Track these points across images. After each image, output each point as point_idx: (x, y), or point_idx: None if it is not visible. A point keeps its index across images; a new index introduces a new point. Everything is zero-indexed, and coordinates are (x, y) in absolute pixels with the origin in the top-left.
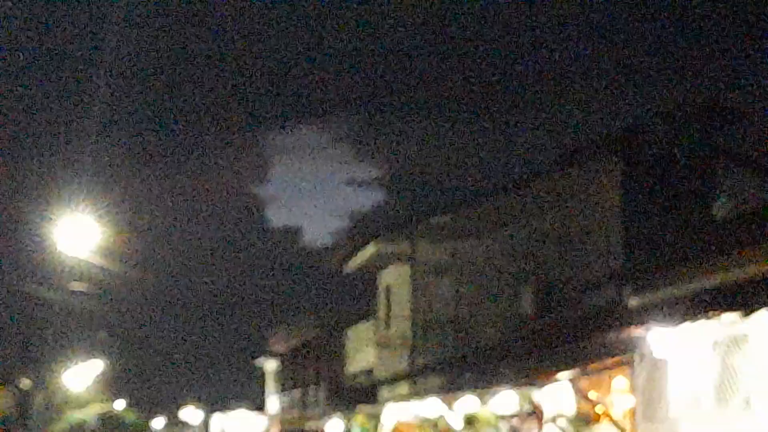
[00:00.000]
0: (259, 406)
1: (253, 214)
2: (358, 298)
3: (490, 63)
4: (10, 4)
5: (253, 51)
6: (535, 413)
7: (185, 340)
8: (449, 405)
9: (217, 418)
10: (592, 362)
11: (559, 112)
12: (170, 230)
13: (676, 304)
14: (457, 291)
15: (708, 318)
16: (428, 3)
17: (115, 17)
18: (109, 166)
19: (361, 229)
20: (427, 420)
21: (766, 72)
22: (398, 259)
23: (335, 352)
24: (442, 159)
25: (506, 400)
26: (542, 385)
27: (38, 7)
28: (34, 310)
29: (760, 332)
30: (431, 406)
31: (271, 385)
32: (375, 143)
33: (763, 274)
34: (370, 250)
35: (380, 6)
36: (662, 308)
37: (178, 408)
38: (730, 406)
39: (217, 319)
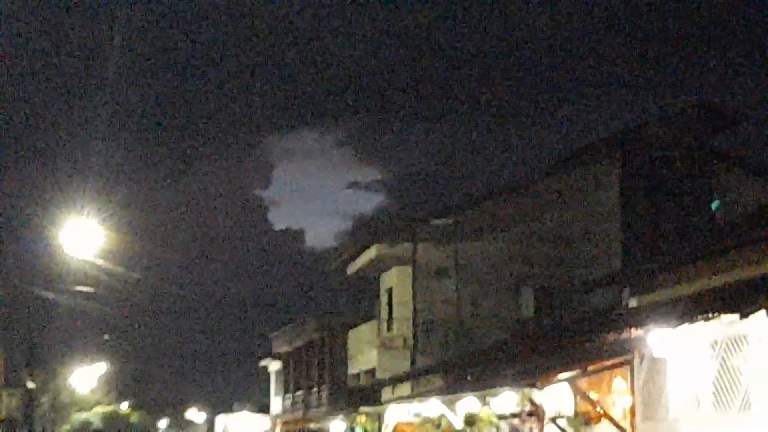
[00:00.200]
0: (263, 407)
1: (256, 216)
2: (361, 300)
3: (491, 67)
4: (19, 11)
5: (257, 56)
6: (536, 413)
7: (189, 342)
8: (450, 405)
9: (221, 420)
10: (592, 363)
11: (559, 114)
12: (175, 233)
13: (675, 305)
14: (458, 293)
15: (707, 319)
16: (430, 9)
17: (122, 23)
18: (115, 169)
19: (364, 232)
20: (428, 420)
21: (762, 75)
22: (400, 261)
23: (338, 353)
24: (444, 162)
25: (507, 400)
26: (543, 386)
27: (47, 13)
28: (39, 312)
29: (759, 333)
30: (433, 407)
31: (274, 386)
32: (377, 147)
33: (761, 275)
34: (372, 253)
35: (383, 12)
36: (661, 309)
37: (182, 409)
38: (729, 407)
39: (221, 321)
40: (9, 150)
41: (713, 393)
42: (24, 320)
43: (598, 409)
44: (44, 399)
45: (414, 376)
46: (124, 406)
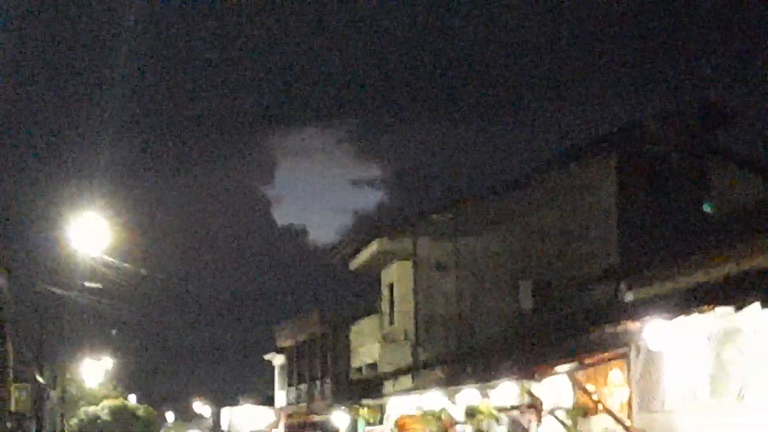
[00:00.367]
0: (268, 400)
1: (259, 213)
2: (363, 295)
3: (490, 64)
4: (27, 9)
5: (260, 55)
6: (535, 405)
7: (195, 337)
8: (451, 398)
9: (226, 413)
10: (590, 356)
11: (556, 111)
12: (180, 229)
13: (671, 298)
14: (459, 287)
15: (702, 312)
16: (430, 6)
17: (128, 23)
18: (121, 167)
19: (365, 227)
20: (430, 412)
21: (759, 73)
22: (401, 256)
23: (340, 347)
24: (444, 158)
25: (506, 392)
26: (541, 378)
27: (54, 13)
28: (48, 308)
29: (754, 326)
30: (433, 399)
31: (278, 380)
32: (378, 144)
33: (756, 268)
34: (373, 248)
35: (384, 10)
36: (657, 303)
37: (188, 402)
38: (724, 398)
39: (226, 316)
40: (16, 148)
41: (709, 384)
42: (33, 316)
43: (595, 400)
44: (53, 393)
45: (415, 369)
46: (132, 399)
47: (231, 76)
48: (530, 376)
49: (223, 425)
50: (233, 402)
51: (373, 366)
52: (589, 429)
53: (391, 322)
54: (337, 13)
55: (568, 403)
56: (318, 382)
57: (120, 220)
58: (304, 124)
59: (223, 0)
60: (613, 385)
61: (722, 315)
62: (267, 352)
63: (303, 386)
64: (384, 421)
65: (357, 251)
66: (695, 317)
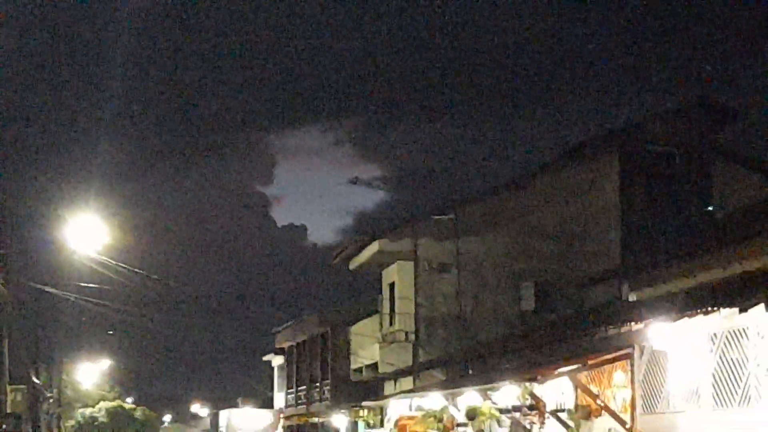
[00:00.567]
0: (267, 402)
1: (259, 213)
2: (363, 295)
3: (491, 64)
4: (26, 9)
5: (260, 55)
6: (537, 407)
7: (193, 338)
8: (452, 399)
9: (225, 414)
10: (592, 357)
11: (557, 111)
12: (178, 229)
13: (675, 299)
14: (460, 287)
15: (706, 313)
16: (431, 6)
17: (126, 22)
18: (119, 167)
19: (366, 228)
20: (430, 414)
21: (762, 72)
22: (402, 256)
23: (340, 348)
24: (445, 158)
25: (508, 394)
26: (543, 380)
27: (51, 12)
28: (44, 308)
29: (758, 327)
30: (435, 401)
31: (277, 381)
32: (379, 144)
33: (759, 270)
34: (374, 249)
35: (384, 11)
36: (661, 304)
37: (186, 404)
38: (728, 400)
39: (225, 316)
40: (14, 147)
41: (713, 386)
42: (29, 316)
43: (598, 402)
44: (49, 394)
45: (416, 370)
46: (129, 401)
47: (231, 76)
48: (532, 377)
49: (222, 427)
50: (232, 404)
51: (373, 367)
52: (592, 430)
53: (392, 323)
54: (338, 12)
55: (571, 405)
56: (318, 384)
57: (117, 221)
58: (305, 123)
59: (223, 0)
60: (616, 386)
61: (726, 316)
62: (266, 353)
63: (303, 388)
64: (384, 423)
65: (357, 252)
66: (699, 318)
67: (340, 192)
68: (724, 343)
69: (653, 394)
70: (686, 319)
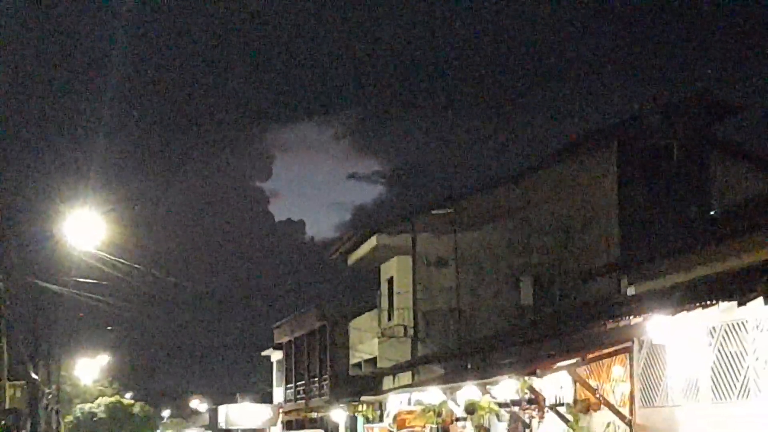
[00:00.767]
0: (266, 397)
1: (257, 208)
2: (361, 290)
3: (489, 57)
4: (23, 7)
5: (257, 49)
6: (536, 401)
7: (192, 333)
8: (451, 394)
9: (224, 410)
10: (591, 351)
11: (556, 105)
12: (176, 225)
13: (673, 293)
14: (458, 282)
15: (705, 306)
16: (428, 2)
17: (123, 18)
18: (117, 162)
19: (364, 223)
20: (429, 408)
21: (760, 66)
22: (400, 251)
23: (339, 343)
24: (443, 152)
25: (507, 388)
26: (542, 374)
27: (50, 9)
28: (43, 304)
29: (757, 320)
30: (433, 395)
31: (276, 376)
32: (376, 138)
33: (758, 263)
34: (372, 243)
35: (382, 6)
36: (660, 297)
37: (184, 399)
38: (727, 393)
39: (223, 311)
40: (12, 143)
41: (711, 379)
42: (28, 312)
43: (597, 396)
44: (48, 390)
45: (415, 365)
46: (128, 396)
47: (229, 71)
48: (531, 371)
49: (221, 422)
50: (231, 399)
51: (372, 362)
52: (591, 424)
53: (390, 318)
54: (335, 7)
55: (570, 399)
56: (316, 379)
57: (115, 216)
58: (303, 118)
59: None
60: (615, 380)
61: (725, 309)
62: (265, 348)
63: (301, 383)
64: (383, 418)
65: (356, 246)
66: (698, 312)
67: (339, 187)
68: (723, 337)
69: (652, 387)
70: (685, 312)
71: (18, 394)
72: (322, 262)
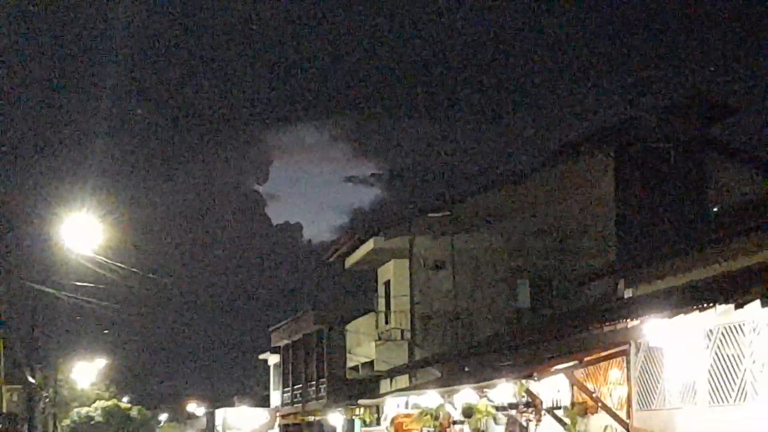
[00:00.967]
0: (263, 401)
1: (254, 211)
2: (358, 293)
3: (486, 60)
4: (20, 9)
5: (255, 53)
6: (533, 404)
7: (189, 337)
8: (449, 397)
9: (221, 413)
10: (589, 354)
11: (552, 107)
12: (174, 228)
13: (670, 295)
14: (455, 285)
15: (702, 309)
16: (426, 4)
17: (122, 21)
18: (114, 165)
19: (361, 226)
20: (426, 411)
21: (756, 67)
22: (397, 254)
23: (336, 346)
24: (440, 155)
25: (504, 391)
26: (540, 377)
27: (47, 11)
28: (40, 308)
29: (754, 322)
30: (431, 398)
31: (273, 380)
32: (374, 141)
33: (755, 265)
34: (369, 246)
35: (380, 9)
36: (657, 300)
37: (181, 403)
38: (724, 395)
39: (221, 315)
40: (9, 146)
41: (708, 382)
42: (25, 316)
43: (594, 399)
44: (45, 394)
45: (412, 368)
46: (125, 400)
47: (226, 74)
48: (528, 374)
49: (218, 426)
50: (228, 403)
51: (369, 365)
52: (589, 428)
53: (388, 321)
54: (333, 10)
55: (567, 402)
56: (314, 382)
57: (113, 219)
58: (300, 121)
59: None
60: (613, 383)
61: (722, 312)
62: (262, 351)
63: (299, 386)
64: (380, 421)
65: (353, 249)
66: (695, 314)
67: (336, 190)
68: (720, 340)
69: (649, 390)
70: (682, 315)
71: (15, 397)
72: (320, 265)
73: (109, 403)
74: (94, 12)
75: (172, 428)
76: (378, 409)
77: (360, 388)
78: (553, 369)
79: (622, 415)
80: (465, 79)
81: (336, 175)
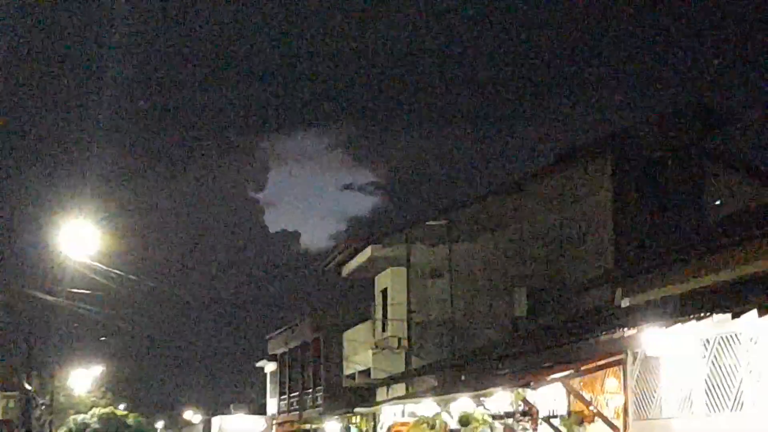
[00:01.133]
0: (260, 409)
1: (252, 218)
2: (355, 301)
3: (484, 69)
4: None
5: (253, 60)
6: (530, 413)
7: (186, 344)
8: (445, 405)
9: (217, 421)
10: (585, 362)
11: (550, 116)
12: (171, 235)
13: (668, 304)
14: (452, 293)
15: (699, 318)
16: (424, 12)
17: (119, 25)
18: (111, 172)
19: (358, 234)
20: (423, 420)
21: (755, 74)
22: (394, 262)
23: (333, 354)
24: (438, 164)
25: (501, 400)
26: (536, 385)
27: (45, 14)
28: (37, 314)
29: (751, 332)
30: (427, 407)
31: (270, 388)
32: (371, 149)
33: (752, 275)
34: (366, 254)
35: (379, 17)
36: (654, 309)
37: (178, 410)
38: (721, 405)
39: (217, 322)
40: (6, 153)
41: (706, 391)
42: (21, 323)
43: (591, 408)
44: (41, 401)
45: (409, 376)
46: (121, 407)
47: (225, 82)
48: (525, 383)
49: None
50: (224, 410)
51: (366, 373)
52: None
53: (384, 329)
54: (331, 18)
55: (564, 411)
56: (310, 390)
57: (110, 226)
58: (298, 129)
59: (217, 5)
60: (609, 392)
61: (719, 321)
62: (259, 359)
63: (295, 394)
64: (377, 430)
65: (350, 257)
66: (692, 324)
67: (334, 198)
68: (717, 349)
69: (646, 400)
70: (679, 324)
71: (11, 404)
72: (317, 273)
73: (106, 410)
74: (94, 15)
75: None
76: (374, 418)
77: (357, 396)
78: (549, 378)
79: (619, 424)
80: (464, 89)
81: (334, 183)
